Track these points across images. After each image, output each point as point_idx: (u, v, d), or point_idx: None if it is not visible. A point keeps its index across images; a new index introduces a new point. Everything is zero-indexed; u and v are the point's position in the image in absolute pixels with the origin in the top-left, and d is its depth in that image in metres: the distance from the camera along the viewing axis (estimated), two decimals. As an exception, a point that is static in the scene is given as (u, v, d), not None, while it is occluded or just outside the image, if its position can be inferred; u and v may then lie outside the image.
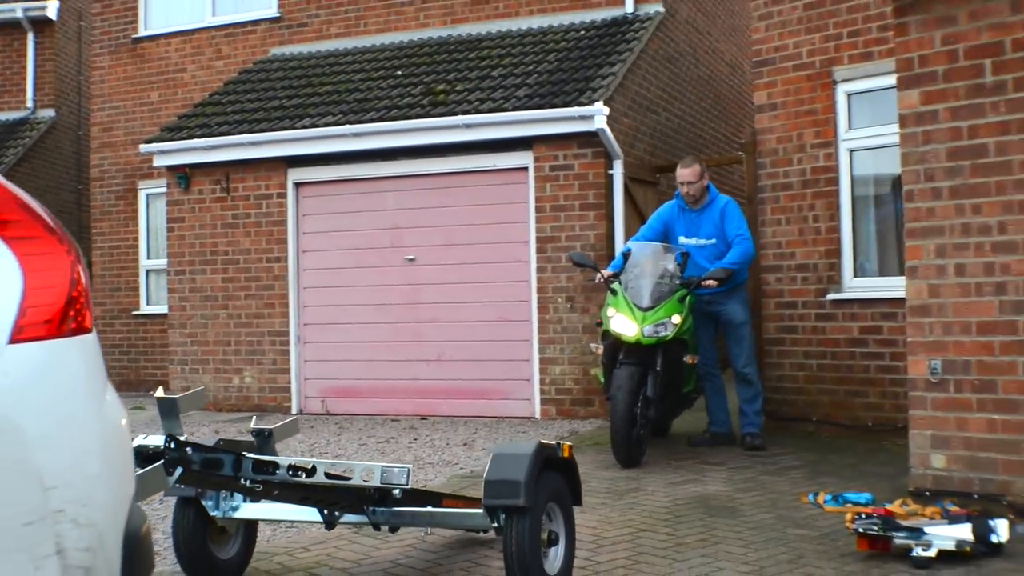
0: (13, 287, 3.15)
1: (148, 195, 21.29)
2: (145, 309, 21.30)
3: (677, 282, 11.26)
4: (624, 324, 10.94)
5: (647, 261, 11.42)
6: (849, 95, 12.54)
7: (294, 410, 16.36)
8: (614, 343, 11.11)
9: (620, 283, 11.38)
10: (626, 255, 11.74)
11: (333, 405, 16.27)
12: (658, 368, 10.90)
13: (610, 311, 11.17)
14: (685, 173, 11.91)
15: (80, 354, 3.34)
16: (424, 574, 6.96)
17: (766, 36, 13.32)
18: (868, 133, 12.33)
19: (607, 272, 11.70)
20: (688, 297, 11.26)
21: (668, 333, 10.87)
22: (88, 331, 3.39)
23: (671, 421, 12.71)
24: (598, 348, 11.53)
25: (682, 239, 11.98)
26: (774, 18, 13.23)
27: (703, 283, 11.31)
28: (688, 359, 11.29)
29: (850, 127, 12.52)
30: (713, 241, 11.87)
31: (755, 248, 12.12)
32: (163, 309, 19.81)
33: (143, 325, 21.14)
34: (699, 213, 11.97)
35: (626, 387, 10.62)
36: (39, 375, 3.16)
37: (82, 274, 3.40)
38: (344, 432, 14.02)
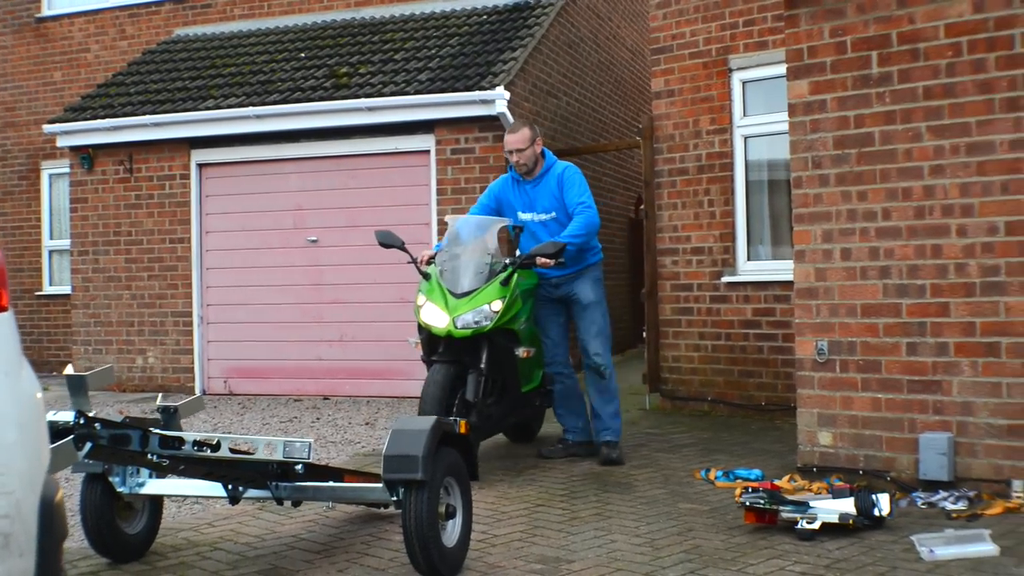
0: None
1: (51, 175, 21.23)
2: (48, 290, 21.20)
3: (507, 262, 9.60)
4: (434, 314, 9.29)
5: (467, 239, 9.73)
6: (744, 83, 12.84)
7: (197, 391, 16.39)
8: (430, 336, 9.44)
9: (435, 266, 9.74)
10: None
11: (236, 386, 16.35)
12: (481, 365, 9.22)
13: (420, 299, 9.49)
14: (512, 139, 10.21)
15: None
16: (326, 548, 7.14)
17: (664, 24, 13.58)
18: (762, 120, 12.64)
19: (425, 254, 10.09)
20: (514, 278, 9.45)
21: (487, 323, 9.14)
22: (4, 309, 3.52)
23: (533, 427, 11.32)
24: (417, 343, 9.73)
25: (521, 215, 10.35)
26: (672, 6, 13.49)
27: (536, 262, 9.56)
28: (521, 352, 9.63)
29: (745, 114, 12.83)
30: (553, 215, 10.19)
31: (597, 215, 10.18)
32: (66, 290, 19.80)
33: (46, 306, 21.06)
34: (534, 184, 10.28)
35: (433, 392, 8.89)
36: None
37: (0, 259, 3.53)
38: (247, 412, 14.12)
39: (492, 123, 14.67)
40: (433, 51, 16.48)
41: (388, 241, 9.89)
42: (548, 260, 9.51)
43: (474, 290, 9.29)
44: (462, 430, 6.56)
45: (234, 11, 19.85)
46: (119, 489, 6.65)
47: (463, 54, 16.06)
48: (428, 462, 5.96)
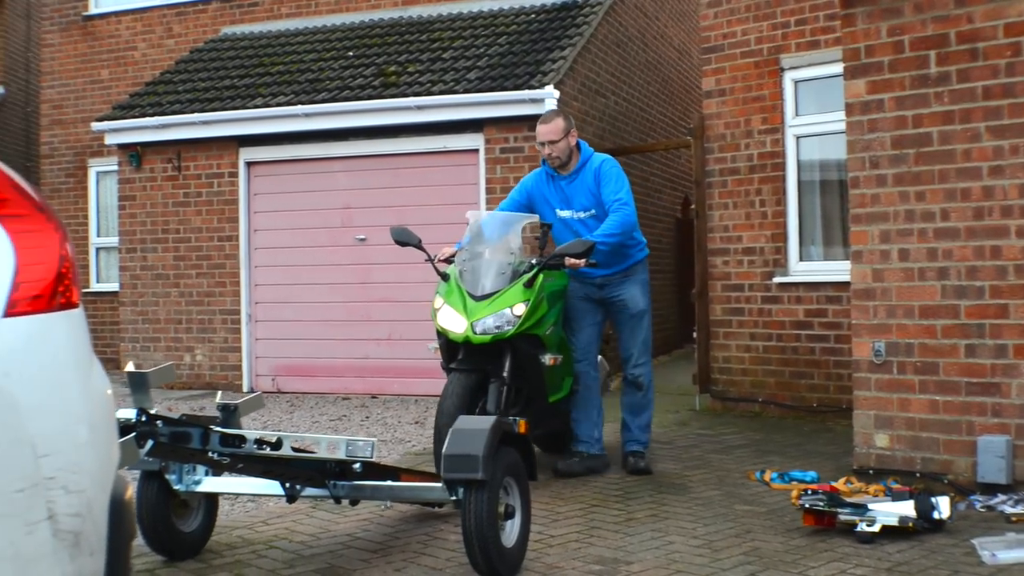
0: (6, 263, 3.26)
1: (98, 173, 21.29)
2: (95, 287, 21.24)
3: (532, 262, 8.79)
4: (452, 319, 8.54)
5: (489, 236, 8.92)
6: (796, 82, 12.77)
7: (245, 388, 16.44)
8: (448, 342, 8.69)
9: (455, 266, 8.93)
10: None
11: (284, 383, 16.37)
12: (504, 374, 8.42)
13: (438, 302, 8.71)
14: (544, 130, 9.38)
15: (68, 327, 3.45)
16: (382, 547, 7.11)
17: (715, 23, 13.52)
18: (814, 120, 12.57)
19: (445, 251, 9.27)
20: (539, 279, 8.63)
21: (509, 329, 8.36)
22: (76, 306, 3.50)
23: (565, 437, 9.89)
24: (436, 349, 9.08)
25: (559, 212, 9.52)
26: (723, 5, 13.43)
27: (564, 263, 8.77)
28: (548, 360, 8.70)
29: (797, 114, 12.76)
30: (592, 212, 9.39)
31: (635, 213, 9.32)
32: (113, 287, 19.86)
33: (93, 303, 21.10)
34: (570, 180, 9.47)
35: (450, 404, 8.15)
36: (31, 347, 3.27)
37: (70, 251, 3.52)
38: (296, 410, 14.13)
39: (541, 122, 14.62)
40: (482, 50, 16.47)
41: (403, 239, 9.04)
42: (577, 260, 8.70)
43: (495, 292, 8.51)
44: (521, 430, 6.54)
45: (281, 9, 19.86)
46: (175, 487, 6.63)
47: (512, 53, 16.04)
48: (488, 462, 5.93)
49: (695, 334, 13.64)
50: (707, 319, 13.38)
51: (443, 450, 6.04)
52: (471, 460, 5.91)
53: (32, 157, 24.70)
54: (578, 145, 9.50)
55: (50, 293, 3.36)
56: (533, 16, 17.50)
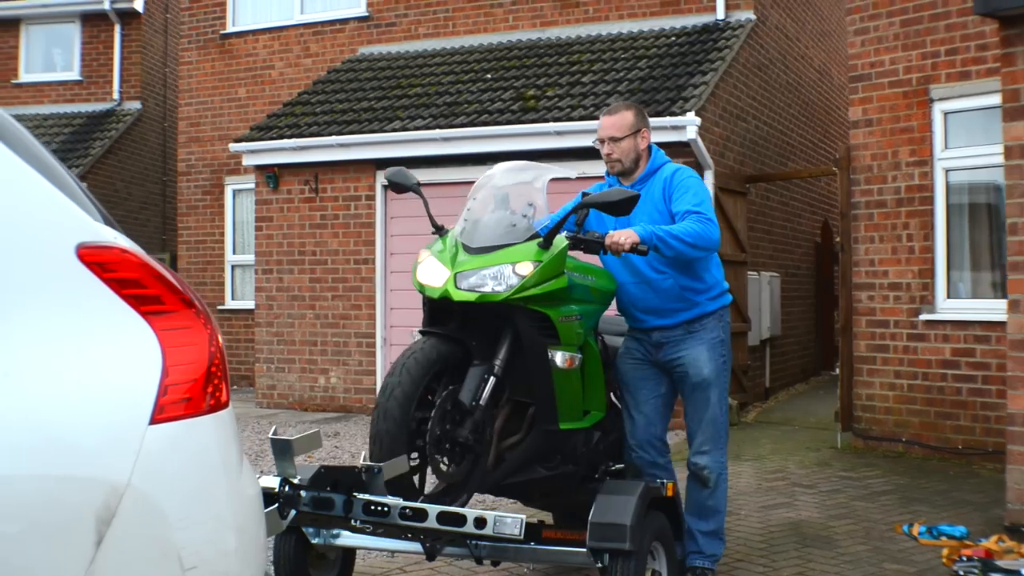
0: (153, 365, 3.16)
1: (234, 190, 21.45)
2: (230, 304, 21.43)
3: (564, 234, 6.38)
4: (432, 271, 6.20)
5: (502, 182, 6.73)
6: (946, 114, 12.43)
7: (379, 412, 16.37)
8: (430, 308, 6.36)
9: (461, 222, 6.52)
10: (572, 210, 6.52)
11: (418, 408, 16.26)
12: (496, 361, 6.12)
13: (422, 255, 6.38)
14: (607, 123, 7.10)
15: (217, 430, 3.34)
16: (522, 604, 6.99)
17: (862, 51, 13.21)
18: (965, 153, 12.23)
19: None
20: (562, 244, 6.27)
21: (502, 290, 5.99)
22: (225, 406, 3.39)
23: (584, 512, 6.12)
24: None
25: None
26: (870, 33, 13.13)
27: (605, 243, 6.38)
28: (561, 359, 6.28)
29: (946, 146, 12.42)
30: None
31: (719, 234, 6.69)
32: (248, 304, 20.01)
33: (228, 320, 21.27)
34: (633, 189, 6.67)
35: (408, 368, 5.87)
36: (178, 454, 3.17)
37: (220, 348, 3.40)
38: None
39: (682, 149, 14.40)
40: (621, 73, 16.31)
41: (399, 180, 6.81)
42: (621, 240, 6.33)
43: (497, 246, 6.20)
44: (669, 493, 6.36)
45: (419, 30, 19.82)
46: (313, 540, 6.54)
47: (652, 77, 15.86)
48: (636, 532, 5.76)
49: (838, 369, 13.37)
50: (851, 355, 13.09)
51: (590, 517, 5.84)
52: (618, 529, 5.73)
53: (169, 173, 25.04)
54: (649, 149, 7.13)
55: (199, 396, 3.25)
56: (673, 39, 17.28)
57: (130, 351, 3.14)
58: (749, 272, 16.86)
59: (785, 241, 19.31)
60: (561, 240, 6.29)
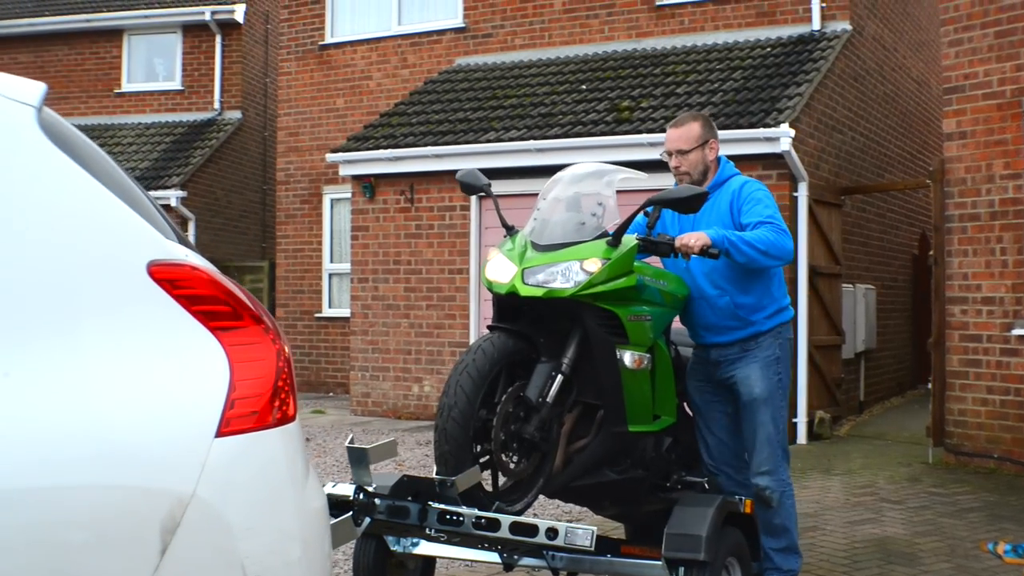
0: (220, 379, 3.23)
1: (332, 200, 21.63)
2: (327, 312, 21.62)
3: (635, 237, 6.36)
4: (501, 268, 6.26)
5: (573, 180, 6.64)
6: (1041, 126, 12.33)
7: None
8: (498, 305, 6.36)
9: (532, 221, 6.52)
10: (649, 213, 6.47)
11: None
12: (564, 359, 6.08)
13: (492, 253, 6.44)
14: (674, 135, 6.96)
15: (283, 443, 3.41)
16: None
17: (956, 63, 13.12)
18: (1061, 166, 12.13)
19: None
20: (629, 242, 6.23)
21: (569, 287, 5.97)
22: (292, 420, 3.46)
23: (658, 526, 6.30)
24: None
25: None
26: (964, 45, 13.04)
27: (676, 244, 6.33)
28: (630, 359, 6.23)
29: (1042, 159, 12.32)
30: None
31: (792, 245, 6.58)
32: (344, 312, 20.18)
33: (324, 328, 21.46)
34: None
35: (462, 385, 5.77)
36: (244, 466, 3.24)
37: (288, 362, 3.48)
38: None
39: (776, 161, 14.37)
40: (716, 85, 16.30)
41: (470, 180, 6.79)
42: (691, 243, 6.26)
43: (565, 244, 6.20)
44: (747, 510, 6.39)
45: (515, 41, 19.89)
46: (392, 547, 6.61)
47: (747, 88, 15.84)
48: (711, 543, 5.80)
49: (931, 384, 13.28)
50: (943, 369, 13.00)
51: (666, 528, 5.89)
52: (694, 540, 5.78)
53: (268, 182, 25.31)
54: (717, 161, 6.98)
55: (266, 409, 3.32)
56: (769, 49, 17.25)
57: (198, 366, 3.22)
58: (844, 284, 16.79)
59: (882, 253, 19.20)
60: (630, 239, 6.27)
